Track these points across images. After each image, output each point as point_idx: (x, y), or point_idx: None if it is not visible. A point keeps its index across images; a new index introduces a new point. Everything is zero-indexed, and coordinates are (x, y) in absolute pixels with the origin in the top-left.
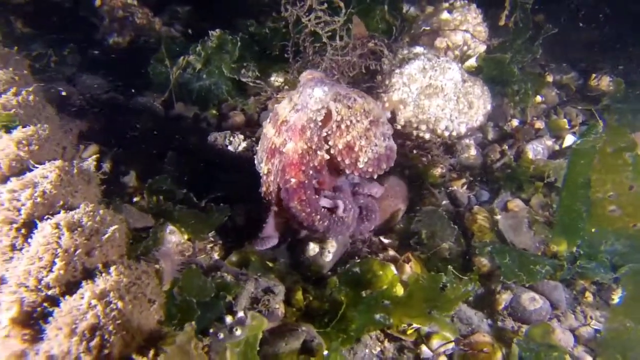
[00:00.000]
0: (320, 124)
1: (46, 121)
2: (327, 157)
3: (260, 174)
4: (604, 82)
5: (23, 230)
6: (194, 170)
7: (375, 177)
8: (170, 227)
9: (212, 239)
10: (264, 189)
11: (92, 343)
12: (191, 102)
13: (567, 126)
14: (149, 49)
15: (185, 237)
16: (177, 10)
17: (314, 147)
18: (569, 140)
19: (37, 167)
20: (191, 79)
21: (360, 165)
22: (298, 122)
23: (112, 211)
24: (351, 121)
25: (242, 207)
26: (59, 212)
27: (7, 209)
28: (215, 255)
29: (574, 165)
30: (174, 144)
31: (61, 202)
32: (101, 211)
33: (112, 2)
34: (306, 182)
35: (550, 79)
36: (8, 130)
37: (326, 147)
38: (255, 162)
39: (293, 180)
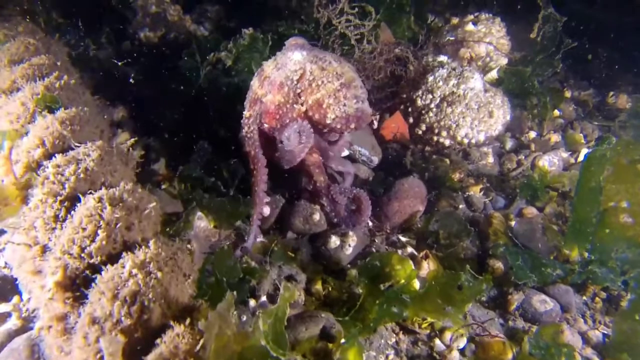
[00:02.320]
0: (296, 82)
1: (85, 105)
2: (303, 109)
3: (244, 119)
4: (622, 100)
5: (66, 203)
6: (224, 160)
7: (345, 134)
8: (199, 213)
9: (237, 228)
10: (245, 129)
11: (133, 308)
12: (219, 98)
13: (583, 141)
14: (179, 45)
15: (212, 224)
16: (207, 9)
17: (290, 101)
18: (584, 154)
19: (78, 146)
20: (220, 76)
21: (328, 120)
22: (277, 79)
23: (147, 192)
24: (322, 81)
25: (267, 198)
26: (99, 189)
27: (52, 182)
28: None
29: (586, 172)
30: (203, 135)
31: (102, 180)
32: (139, 190)
33: None
34: (276, 127)
35: (568, 94)
36: (51, 110)
37: (301, 102)
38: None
39: (266, 125)
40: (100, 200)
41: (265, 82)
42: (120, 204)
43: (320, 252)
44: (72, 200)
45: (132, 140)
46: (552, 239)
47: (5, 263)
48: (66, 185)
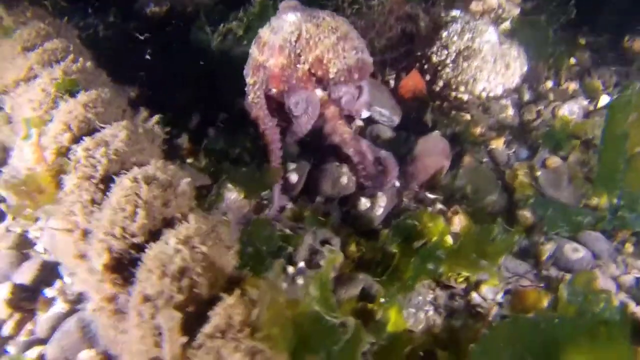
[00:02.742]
0: (294, 42)
1: (103, 86)
2: (307, 67)
3: (247, 85)
4: (638, 44)
5: (101, 185)
6: (243, 130)
7: (350, 84)
8: (228, 185)
9: (266, 198)
10: (250, 96)
11: (183, 283)
12: (233, 68)
13: (601, 87)
14: (187, 18)
15: (242, 195)
16: None
17: (293, 61)
18: (604, 100)
19: (104, 128)
20: (232, 46)
21: (331, 75)
22: (276, 42)
23: (177, 166)
24: (319, 37)
25: (293, 165)
26: (131, 169)
27: (84, 165)
28: (269, 212)
29: (611, 120)
30: (219, 107)
31: (132, 159)
32: (171, 166)
33: None
34: (285, 90)
35: (583, 41)
36: (72, 94)
37: (303, 62)
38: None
39: (274, 89)
40: (135, 179)
41: (264, 48)
42: (155, 182)
43: (351, 215)
44: (107, 182)
45: (157, 117)
46: (578, 188)
47: (44, 249)
48: (98, 168)
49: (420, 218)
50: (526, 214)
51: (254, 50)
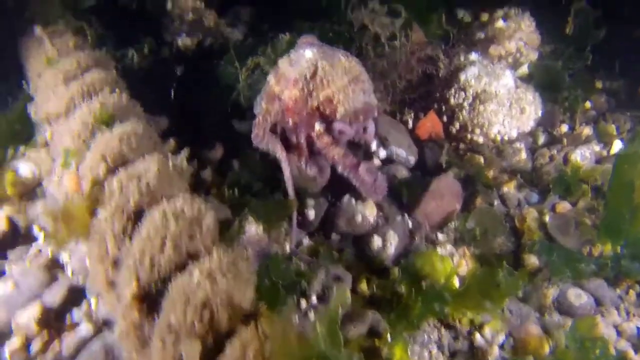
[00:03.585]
0: (309, 78)
1: (137, 117)
2: (316, 103)
3: (259, 108)
4: None
5: (133, 217)
6: (266, 164)
7: (353, 125)
8: (249, 218)
9: (285, 230)
10: (259, 119)
11: (204, 314)
12: None
13: (615, 132)
14: (216, 50)
15: (261, 227)
16: (240, 11)
17: (305, 96)
18: (617, 146)
19: (137, 161)
20: (259, 80)
21: (338, 115)
22: (292, 75)
23: (203, 201)
24: (332, 77)
25: (311, 201)
26: (161, 201)
27: (117, 197)
28: (287, 246)
29: (619, 170)
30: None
31: (161, 193)
32: (197, 200)
33: (182, 4)
34: (299, 123)
35: (599, 85)
36: (108, 126)
37: (314, 96)
38: (256, 102)
39: (290, 122)
40: (164, 214)
41: (281, 79)
42: (182, 216)
43: (364, 253)
44: (138, 214)
45: (186, 151)
46: (585, 234)
47: (72, 272)
48: (131, 200)
49: (429, 259)
50: (532, 258)
51: (271, 79)
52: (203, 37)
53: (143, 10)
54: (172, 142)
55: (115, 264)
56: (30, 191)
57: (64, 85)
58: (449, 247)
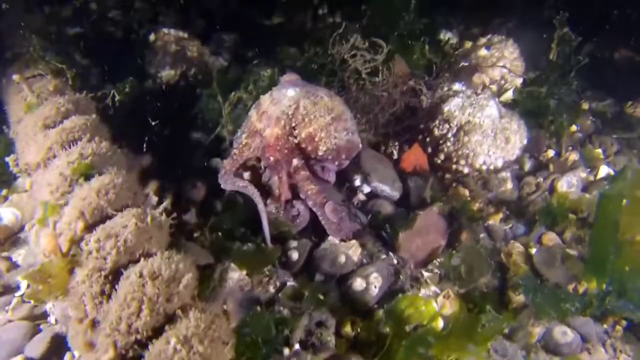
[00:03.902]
0: (291, 116)
1: (117, 165)
2: (296, 141)
3: (239, 142)
4: None
5: (110, 277)
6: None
7: (335, 164)
8: (231, 265)
9: (267, 273)
10: (236, 151)
11: None
12: None
13: (602, 156)
14: (200, 81)
15: (244, 272)
16: (224, 39)
17: (287, 133)
18: (604, 171)
19: (115, 215)
20: (242, 115)
21: (320, 152)
22: (274, 113)
23: (182, 255)
24: (314, 115)
25: (294, 243)
26: (138, 259)
27: (95, 257)
28: (271, 288)
29: (603, 209)
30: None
31: (140, 250)
32: (176, 258)
33: (165, 37)
34: (280, 160)
35: (586, 106)
36: (87, 178)
37: (294, 135)
38: (236, 137)
39: (272, 158)
40: (141, 275)
41: (263, 117)
42: (160, 277)
43: (348, 294)
44: (116, 274)
45: (169, 199)
46: (571, 268)
47: (56, 320)
48: (108, 260)
49: (412, 302)
50: (517, 295)
51: (252, 115)
52: (186, 68)
53: (128, 38)
54: (153, 184)
55: (94, 325)
56: (13, 235)
57: (43, 133)
58: (433, 287)
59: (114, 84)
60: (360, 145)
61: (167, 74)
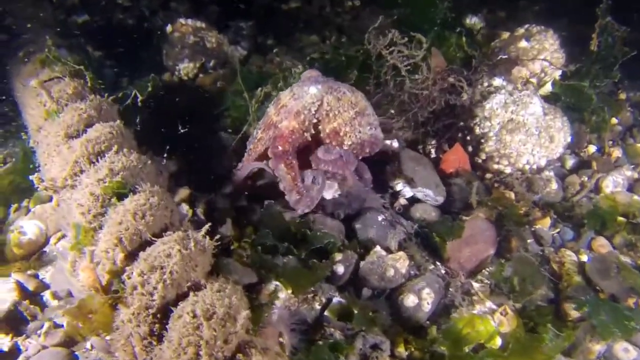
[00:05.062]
0: (314, 112)
1: (147, 177)
2: (309, 139)
3: (254, 138)
4: None
5: (159, 315)
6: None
7: (359, 157)
8: (277, 284)
9: (312, 289)
10: (251, 146)
11: None
12: None
13: None
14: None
15: (290, 291)
16: (241, 27)
17: (304, 128)
18: None
19: (154, 240)
20: None
21: (345, 147)
22: (294, 107)
23: (232, 286)
24: (339, 110)
25: (339, 256)
26: (187, 292)
27: (141, 293)
28: (317, 305)
29: None
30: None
31: (186, 280)
32: (227, 290)
33: (182, 28)
34: (289, 151)
35: (623, 96)
36: (119, 196)
37: (312, 131)
38: (252, 136)
39: (280, 148)
40: (194, 315)
41: (281, 110)
42: (215, 317)
43: (399, 312)
44: (164, 311)
45: (206, 227)
46: (627, 279)
47: (92, 346)
48: (155, 296)
49: (470, 322)
50: (573, 309)
51: (271, 109)
52: (205, 60)
53: (141, 27)
54: (183, 192)
55: None
56: (38, 249)
57: (66, 144)
58: (488, 303)
59: (130, 79)
60: (382, 140)
61: (186, 67)
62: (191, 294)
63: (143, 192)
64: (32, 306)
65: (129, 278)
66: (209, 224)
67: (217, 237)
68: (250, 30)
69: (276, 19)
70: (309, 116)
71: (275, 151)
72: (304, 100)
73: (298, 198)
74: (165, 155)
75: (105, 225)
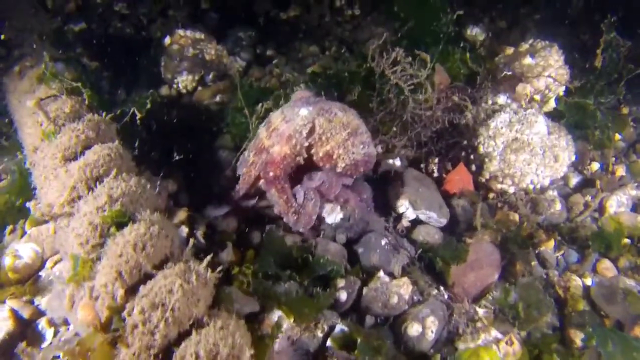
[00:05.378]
0: (306, 136)
1: (147, 203)
2: (302, 162)
3: (246, 162)
4: None
5: (161, 356)
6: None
7: (354, 177)
8: (279, 314)
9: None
10: (244, 170)
11: None
12: None
13: None
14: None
15: (292, 319)
16: (240, 37)
17: (295, 153)
18: None
19: (154, 273)
20: None
21: (339, 169)
22: (286, 131)
23: (236, 322)
24: (331, 133)
25: (342, 282)
26: (189, 330)
27: (142, 332)
28: (319, 333)
29: None
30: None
31: (189, 317)
32: (231, 327)
33: (181, 40)
34: (281, 176)
35: (626, 110)
36: (119, 225)
37: (304, 155)
38: (241, 158)
39: (271, 173)
40: (197, 357)
41: (273, 134)
42: (218, 358)
43: (403, 341)
44: (166, 352)
45: (200, 233)
46: (634, 305)
47: None
48: (157, 335)
49: (475, 352)
50: (578, 335)
51: (262, 132)
52: (204, 73)
53: (139, 37)
54: (182, 213)
55: None
56: (34, 273)
57: (64, 167)
58: (494, 332)
59: (128, 91)
60: (376, 156)
61: (185, 79)
62: (194, 332)
63: (143, 220)
64: (29, 348)
65: (130, 315)
66: (211, 255)
67: (219, 268)
68: (250, 40)
69: (276, 28)
70: (300, 140)
71: (267, 177)
72: (295, 123)
73: (296, 218)
74: (162, 174)
75: (104, 257)
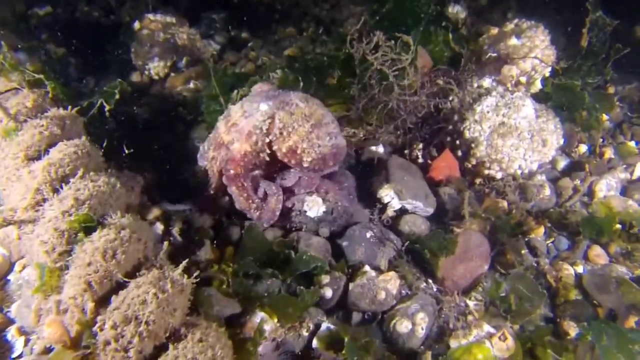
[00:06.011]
0: (266, 131)
1: (117, 203)
2: (267, 158)
3: (206, 153)
4: None
5: None
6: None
7: (323, 172)
8: (262, 315)
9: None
10: (207, 165)
11: None
12: None
13: (636, 151)
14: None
15: (275, 320)
16: (214, 19)
17: (257, 149)
18: None
19: (128, 282)
20: None
21: (305, 164)
22: (246, 127)
23: (216, 332)
24: (293, 127)
25: (327, 278)
26: (165, 344)
27: (114, 349)
28: (304, 332)
29: None
30: None
31: (164, 329)
32: (210, 339)
33: (152, 24)
34: (242, 173)
35: (612, 90)
36: (87, 230)
37: (267, 151)
38: (201, 149)
39: (232, 171)
40: None
41: (232, 129)
42: None
43: (392, 338)
44: None
45: (183, 263)
46: (627, 294)
47: None
48: (131, 352)
49: (468, 349)
50: (571, 326)
51: (220, 126)
52: (177, 59)
53: (107, 22)
54: (156, 210)
55: None
56: (1, 277)
57: (27, 167)
58: (486, 327)
59: (96, 79)
60: (345, 147)
61: (156, 66)
62: (170, 346)
63: (113, 224)
64: None
65: (101, 330)
66: (187, 260)
67: (196, 274)
68: (224, 23)
69: (251, 9)
70: (260, 136)
71: (228, 174)
72: (254, 119)
73: (258, 214)
74: (133, 169)
75: (72, 266)
